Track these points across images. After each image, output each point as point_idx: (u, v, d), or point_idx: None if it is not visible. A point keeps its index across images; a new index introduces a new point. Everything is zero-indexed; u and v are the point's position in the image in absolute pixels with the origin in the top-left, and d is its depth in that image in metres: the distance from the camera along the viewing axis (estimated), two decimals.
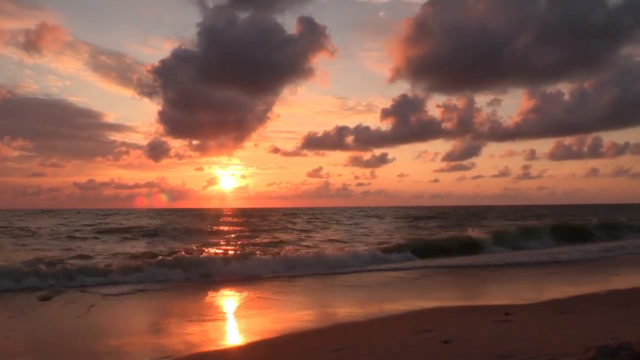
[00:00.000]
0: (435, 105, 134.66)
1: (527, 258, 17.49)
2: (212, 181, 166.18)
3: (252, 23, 57.70)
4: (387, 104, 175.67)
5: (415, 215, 61.80)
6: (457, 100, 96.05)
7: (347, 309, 9.23)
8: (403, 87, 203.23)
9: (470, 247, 20.40)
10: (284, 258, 15.53)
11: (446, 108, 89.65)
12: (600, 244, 23.23)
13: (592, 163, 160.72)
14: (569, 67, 65.94)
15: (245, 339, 7.02)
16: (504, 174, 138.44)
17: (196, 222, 49.01)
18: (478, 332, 6.25)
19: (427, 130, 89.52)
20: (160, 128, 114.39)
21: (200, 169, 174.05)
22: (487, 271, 14.97)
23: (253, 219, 54.75)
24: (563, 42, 58.13)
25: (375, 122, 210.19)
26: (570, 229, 27.79)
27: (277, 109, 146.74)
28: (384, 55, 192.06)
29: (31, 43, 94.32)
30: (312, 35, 66.14)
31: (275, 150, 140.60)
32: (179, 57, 62.48)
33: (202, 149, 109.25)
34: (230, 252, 17.45)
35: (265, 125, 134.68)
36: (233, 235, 29.38)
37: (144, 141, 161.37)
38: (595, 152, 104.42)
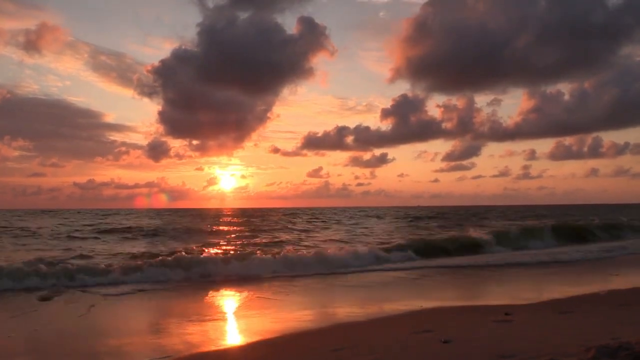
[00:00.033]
0: (435, 105, 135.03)
1: (527, 258, 17.49)
2: (212, 181, 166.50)
3: (252, 23, 57.77)
4: (387, 104, 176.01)
5: (416, 215, 61.80)
6: (457, 100, 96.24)
7: (347, 309, 9.23)
8: (403, 87, 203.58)
9: (473, 247, 20.34)
10: (284, 258, 15.53)
11: (446, 108, 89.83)
12: (601, 244, 23.18)
13: (592, 163, 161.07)
14: (569, 67, 66.05)
15: (245, 339, 7.02)
16: (504, 174, 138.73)
17: (196, 222, 49.02)
18: (478, 332, 6.25)
19: (427, 130, 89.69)
20: (160, 128, 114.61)
21: (200, 169, 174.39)
22: (487, 271, 14.97)
23: (253, 219, 54.75)
24: (563, 42, 58.22)
25: (375, 122, 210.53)
26: (572, 229, 27.69)
27: (277, 109, 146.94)
28: (384, 55, 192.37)
29: (31, 43, 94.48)
30: (312, 35, 66.25)
31: (275, 150, 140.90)
32: (179, 57, 62.58)
33: (202, 149, 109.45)
34: (230, 252, 17.46)
35: (265, 125, 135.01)
36: (233, 235, 29.38)
37: (144, 141, 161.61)
38: (595, 152, 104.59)
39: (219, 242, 24.33)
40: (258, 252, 16.89)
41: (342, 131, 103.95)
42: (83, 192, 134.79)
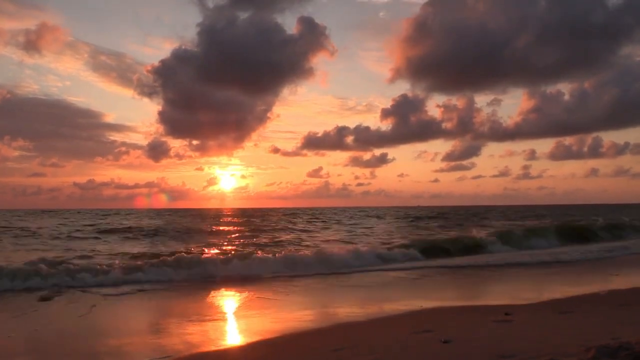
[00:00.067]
0: (435, 105, 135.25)
1: (527, 258, 17.48)
2: (212, 181, 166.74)
3: (252, 23, 57.84)
4: (387, 104, 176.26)
5: (416, 215, 61.79)
6: (457, 100, 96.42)
7: (347, 309, 9.23)
8: (403, 87, 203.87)
9: (476, 247, 20.26)
10: (284, 258, 15.53)
11: (446, 108, 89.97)
12: (603, 244, 23.10)
13: (592, 163, 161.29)
14: (569, 67, 66.15)
15: (245, 339, 7.02)
16: (504, 174, 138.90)
17: (196, 222, 49.02)
18: (478, 332, 6.25)
19: (427, 130, 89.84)
20: (160, 128, 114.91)
21: (200, 169, 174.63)
22: (487, 271, 14.97)
23: (253, 219, 54.75)
24: (563, 42, 58.27)
25: (375, 122, 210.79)
26: (576, 229, 27.56)
27: (277, 109, 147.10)
28: (384, 55, 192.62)
29: (31, 43, 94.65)
30: (312, 35, 66.35)
31: (275, 150, 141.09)
32: (179, 57, 62.67)
33: (202, 149, 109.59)
34: (231, 253, 17.46)
35: (265, 125, 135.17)
36: (233, 236, 29.38)
37: (144, 141, 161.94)
38: (595, 152, 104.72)
39: (219, 242, 24.34)
40: (258, 252, 16.89)
41: (342, 131, 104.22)
42: (83, 192, 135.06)
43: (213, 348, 6.49)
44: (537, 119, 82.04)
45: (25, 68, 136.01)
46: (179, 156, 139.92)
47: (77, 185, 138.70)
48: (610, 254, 18.90)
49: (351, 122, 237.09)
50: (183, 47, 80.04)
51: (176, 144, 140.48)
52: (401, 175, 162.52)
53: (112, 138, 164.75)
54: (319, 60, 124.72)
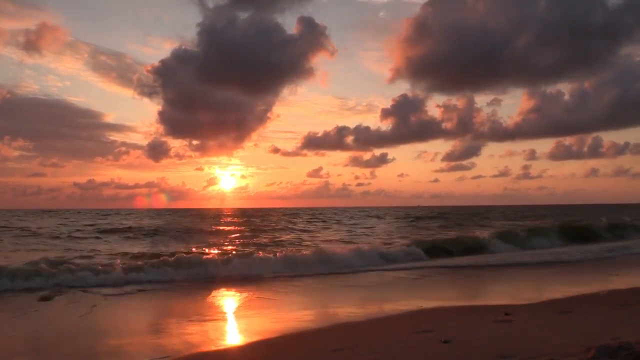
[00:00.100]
0: (435, 105, 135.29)
1: (527, 258, 17.47)
2: (212, 181, 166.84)
3: (252, 23, 57.86)
4: (387, 104, 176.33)
5: (416, 215, 61.79)
6: (457, 100, 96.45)
7: (347, 309, 9.23)
8: (403, 87, 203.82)
9: (478, 247, 20.22)
10: (285, 258, 15.54)
11: (446, 108, 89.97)
12: (604, 244, 23.05)
13: (592, 163, 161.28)
14: (569, 67, 66.19)
15: (245, 339, 7.03)
16: (504, 174, 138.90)
17: (196, 222, 49.04)
18: (478, 332, 6.25)
19: (427, 130, 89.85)
20: (160, 128, 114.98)
21: (200, 169, 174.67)
22: (487, 271, 14.97)
23: (253, 219, 54.76)
24: (563, 42, 58.29)
25: (375, 122, 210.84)
26: (576, 228, 27.47)
27: (277, 109, 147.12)
28: (384, 55, 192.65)
29: (31, 43, 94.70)
30: (312, 35, 66.37)
31: (275, 150, 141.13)
32: (179, 57, 62.69)
33: (202, 149, 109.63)
34: (231, 253, 17.46)
35: (265, 125, 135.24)
36: (233, 236, 29.39)
37: (144, 141, 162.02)
38: (595, 152, 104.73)
39: (220, 242, 24.34)
40: (259, 252, 16.89)
41: (342, 131, 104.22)
42: (83, 192, 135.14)
43: (213, 348, 6.50)
44: (537, 119, 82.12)
45: (25, 68, 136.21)
46: (179, 156, 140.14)
47: (77, 185, 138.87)
48: (611, 254, 18.90)
49: (351, 122, 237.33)
50: (183, 47, 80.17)
51: (176, 144, 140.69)
52: (401, 175, 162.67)
53: (112, 138, 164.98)
54: (319, 60, 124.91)
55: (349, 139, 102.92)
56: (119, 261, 14.75)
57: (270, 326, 7.72)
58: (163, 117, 75.49)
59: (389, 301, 9.99)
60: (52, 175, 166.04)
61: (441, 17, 60.74)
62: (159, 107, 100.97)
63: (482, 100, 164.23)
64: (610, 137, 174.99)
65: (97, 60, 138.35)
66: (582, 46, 58.56)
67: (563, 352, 4.71)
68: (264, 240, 25.51)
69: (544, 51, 56.14)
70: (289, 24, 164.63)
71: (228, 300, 10.76)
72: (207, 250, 18.87)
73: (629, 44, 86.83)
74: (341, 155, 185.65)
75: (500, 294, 11.43)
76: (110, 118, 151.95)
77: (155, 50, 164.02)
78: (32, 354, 6.68)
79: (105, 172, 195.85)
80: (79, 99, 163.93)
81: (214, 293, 11.45)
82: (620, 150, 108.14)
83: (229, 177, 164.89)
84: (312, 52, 79.10)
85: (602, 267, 15.59)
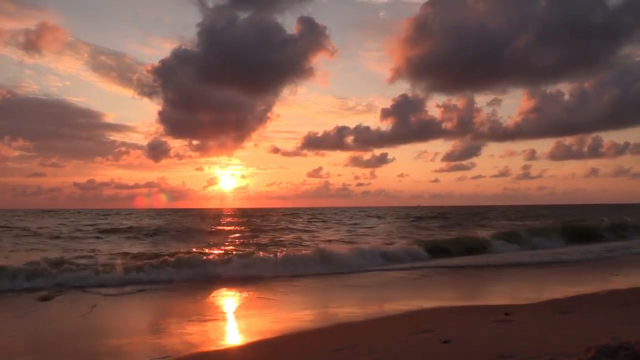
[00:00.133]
0: (435, 105, 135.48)
1: (527, 258, 17.47)
2: (212, 181, 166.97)
3: (252, 23, 57.92)
4: (387, 104, 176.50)
5: (416, 215, 61.79)
6: (457, 100, 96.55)
7: (347, 309, 9.24)
8: (403, 87, 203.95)
9: (479, 248, 20.16)
10: (285, 258, 15.52)
11: (446, 108, 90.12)
12: (605, 244, 23.00)
13: (592, 163, 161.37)
14: (569, 67, 66.25)
15: (245, 339, 7.03)
16: (504, 174, 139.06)
17: (196, 222, 49.04)
18: (478, 332, 6.26)
19: (427, 130, 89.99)
20: (160, 128, 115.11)
21: (200, 169, 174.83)
22: (487, 271, 14.97)
23: (253, 219, 54.76)
24: (563, 42, 58.33)
25: (375, 122, 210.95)
26: (577, 228, 27.37)
27: (277, 109, 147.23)
28: (384, 55, 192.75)
29: (31, 43, 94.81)
30: (312, 35, 66.45)
31: (275, 150, 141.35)
32: (179, 57, 62.78)
33: (202, 149, 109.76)
34: (231, 253, 17.45)
35: (265, 125, 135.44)
36: (233, 236, 29.39)
37: (144, 141, 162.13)
38: (595, 152, 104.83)
39: (220, 242, 24.34)
40: (260, 253, 16.88)
41: (342, 131, 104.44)
42: (83, 192, 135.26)
43: (213, 348, 6.50)
44: (537, 119, 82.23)
45: (25, 68, 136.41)
46: (179, 156, 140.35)
47: (77, 185, 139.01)
48: (611, 254, 18.89)
49: (351, 122, 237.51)
50: (183, 47, 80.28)
51: (176, 144, 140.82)
52: (401, 175, 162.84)
53: (112, 138, 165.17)
54: (319, 60, 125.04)
55: (349, 139, 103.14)
56: (119, 261, 14.74)
57: (270, 326, 7.72)
58: (163, 117, 75.69)
59: (389, 301, 9.99)
60: (52, 175, 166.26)
61: (441, 17, 60.84)
62: (159, 107, 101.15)
63: (482, 100, 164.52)
64: (610, 137, 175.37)
65: (97, 60, 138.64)
66: (582, 46, 58.66)
67: (563, 352, 4.71)
68: (264, 240, 25.50)
69: (544, 51, 56.24)
70: (289, 24, 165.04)
71: (228, 300, 10.76)
72: (207, 250, 18.86)
73: (629, 44, 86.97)
74: (341, 155, 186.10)
75: (500, 294, 11.44)
76: (110, 118, 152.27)
77: (155, 50, 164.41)
78: (32, 354, 6.68)
79: (105, 172, 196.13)
80: (79, 99, 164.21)
81: (214, 293, 11.45)
82: (620, 150, 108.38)
83: (229, 177, 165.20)
84: (312, 52, 79.27)
85: (602, 267, 15.58)
